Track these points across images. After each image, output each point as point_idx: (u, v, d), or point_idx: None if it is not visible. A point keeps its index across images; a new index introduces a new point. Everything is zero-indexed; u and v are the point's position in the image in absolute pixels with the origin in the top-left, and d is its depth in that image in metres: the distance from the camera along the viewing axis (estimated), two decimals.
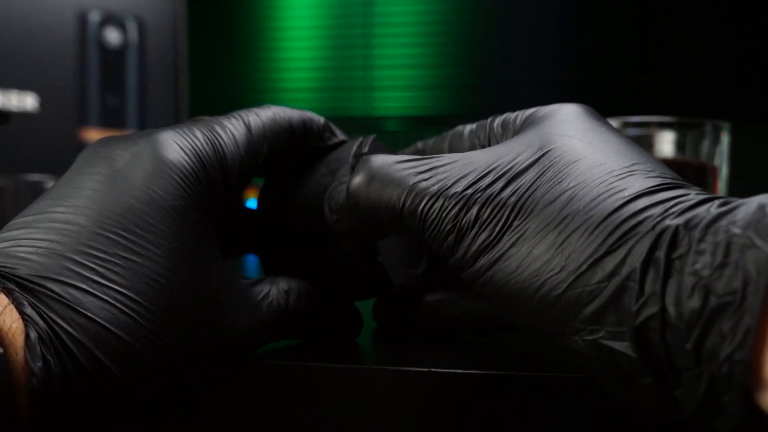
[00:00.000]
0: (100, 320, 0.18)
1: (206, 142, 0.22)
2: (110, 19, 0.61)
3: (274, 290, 0.24)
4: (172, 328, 0.20)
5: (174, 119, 0.63)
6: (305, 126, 0.26)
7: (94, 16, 0.61)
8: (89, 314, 0.18)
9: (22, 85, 0.57)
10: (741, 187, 0.40)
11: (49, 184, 0.48)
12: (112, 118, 0.62)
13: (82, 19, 0.60)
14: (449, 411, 0.23)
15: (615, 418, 0.23)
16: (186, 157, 0.22)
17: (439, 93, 1.34)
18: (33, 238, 0.19)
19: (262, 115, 0.25)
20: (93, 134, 0.61)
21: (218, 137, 0.23)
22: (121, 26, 0.62)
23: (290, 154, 0.26)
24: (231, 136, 0.23)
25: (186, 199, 0.21)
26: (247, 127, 0.24)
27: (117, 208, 0.20)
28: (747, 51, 1.19)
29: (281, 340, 0.26)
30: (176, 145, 0.22)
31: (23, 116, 0.57)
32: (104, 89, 0.61)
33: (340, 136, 0.28)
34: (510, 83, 1.31)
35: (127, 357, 0.19)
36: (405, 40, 1.36)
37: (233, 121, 0.24)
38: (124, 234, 0.20)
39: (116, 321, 0.19)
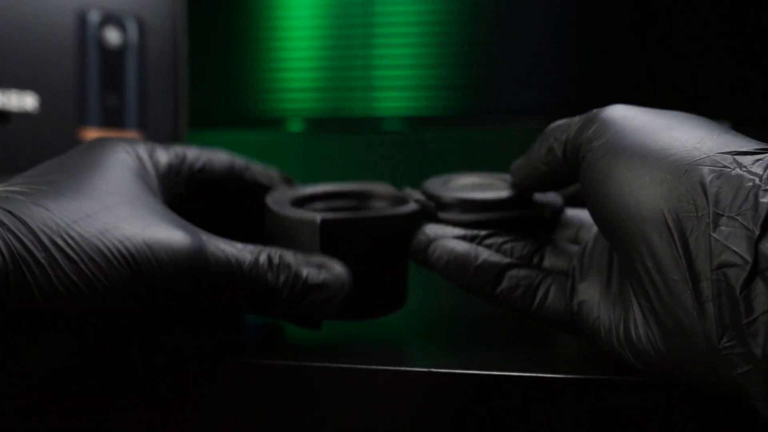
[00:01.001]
0: (16, 193, 0.21)
1: (140, 143, 0.28)
2: (110, 19, 0.61)
3: (249, 246, 0.26)
4: (92, 204, 0.22)
5: (174, 119, 0.63)
6: (246, 162, 0.32)
7: (94, 16, 0.61)
8: (6, 190, 0.21)
9: (22, 85, 0.57)
10: None
11: None
12: (112, 118, 0.62)
13: (82, 19, 0.60)
14: (449, 411, 0.23)
15: (615, 418, 0.23)
16: (121, 144, 0.27)
17: (439, 93, 1.34)
18: None
19: (200, 147, 0.31)
20: (93, 134, 0.61)
21: (152, 144, 0.29)
22: (121, 26, 0.62)
23: (236, 177, 0.31)
24: (163, 146, 0.29)
25: (118, 159, 0.26)
26: (183, 147, 0.30)
27: (61, 166, 0.25)
28: (747, 51, 1.19)
29: (257, 307, 0.26)
30: (113, 140, 0.27)
31: (23, 116, 0.57)
32: (104, 89, 0.61)
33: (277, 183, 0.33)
34: (510, 83, 1.31)
35: (40, 215, 0.21)
36: (405, 40, 1.36)
37: (171, 144, 0.30)
38: (61, 170, 0.24)
39: (31, 195, 0.21)
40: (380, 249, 0.29)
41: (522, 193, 0.31)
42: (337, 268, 0.27)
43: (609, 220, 0.23)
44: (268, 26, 1.40)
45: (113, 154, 0.26)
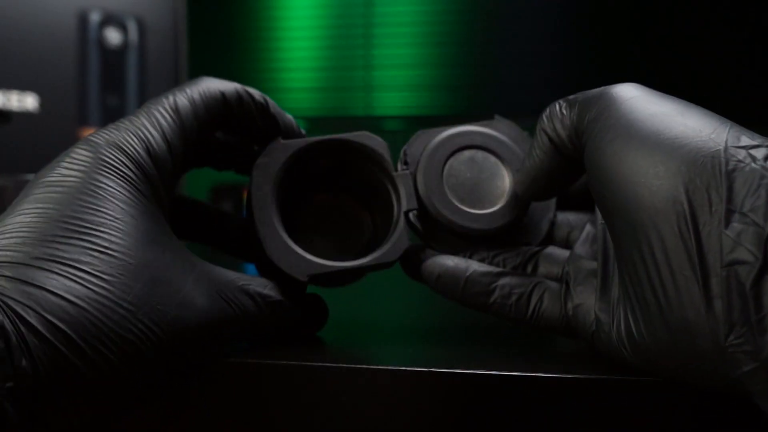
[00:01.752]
0: (48, 287, 0.20)
1: (134, 137, 0.25)
2: (110, 19, 0.61)
3: (249, 283, 0.26)
4: (123, 291, 0.21)
5: None
6: (240, 96, 0.28)
7: (95, 16, 0.61)
8: (36, 283, 0.20)
9: (22, 85, 0.57)
10: None
11: None
12: (112, 118, 0.62)
13: (83, 19, 0.60)
14: (449, 411, 0.23)
15: (614, 418, 0.23)
16: (117, 156, 0.24)
17: (439, 93, 1.34)
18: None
19: (190, 92, 0.27)
20: None
21: (145, 129, 0.25)
22: (121, 26, 0.62)
23: (231, 122, 0.28)
24: (156, 124, 0.26)
25: (121, 185, 0.23)
26: (174, 110, 0.26)
27: (66, 208, 0.22)
28: (747, 51, 1.18)
29: (249, 333, 0.26)
30: (108, 149, 0.24)
31: (23, 116, 0.57)
32: (104, 89, 0.61)
33: (282, 119, 0.30)
34: (510, 83, 1.31)
35: (78, 318, 0.20)
36: (405, 40, 1.36)
37: (160, 108, 0.26)
38: (70, 221, 0.22)
39: (62, 286, 0.20)
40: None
41: (516, 203, 0.30)
42: (323, 312, 0.29)
43: (617, 208, 0.22)
44: (268, 26, 1.40)
45: (114, 188, 0.23)
